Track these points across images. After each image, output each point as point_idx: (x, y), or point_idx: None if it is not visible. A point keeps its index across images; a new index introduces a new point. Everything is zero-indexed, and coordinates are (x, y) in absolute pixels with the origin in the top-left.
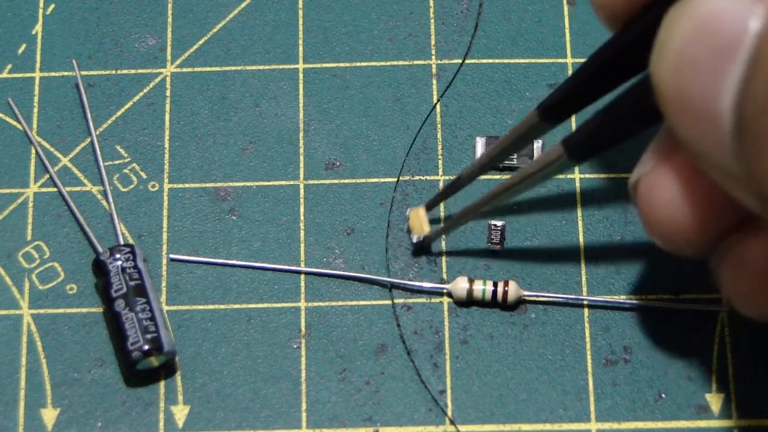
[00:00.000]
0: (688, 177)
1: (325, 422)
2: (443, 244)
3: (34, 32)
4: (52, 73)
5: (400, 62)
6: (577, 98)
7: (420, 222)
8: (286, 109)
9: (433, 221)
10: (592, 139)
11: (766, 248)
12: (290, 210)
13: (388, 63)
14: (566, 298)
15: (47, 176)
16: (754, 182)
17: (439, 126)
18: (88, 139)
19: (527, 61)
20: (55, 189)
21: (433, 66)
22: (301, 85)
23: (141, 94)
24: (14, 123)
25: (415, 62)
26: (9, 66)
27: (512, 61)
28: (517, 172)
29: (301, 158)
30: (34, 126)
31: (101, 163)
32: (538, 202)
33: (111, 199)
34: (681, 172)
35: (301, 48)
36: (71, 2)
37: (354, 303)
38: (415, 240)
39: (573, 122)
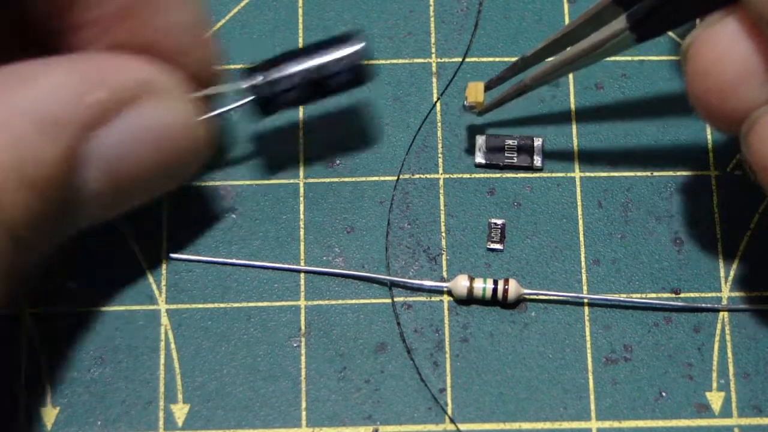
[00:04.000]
0: (739, 37)
1: (325, 421)
2: (443, 242)
3: None
4: None
5: (400, 60)
6: None
7: (476, 92)
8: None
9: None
10: (656, 13)
11: None
12: (290, 208)
13: (388, 61)
14: (567, 296)
15: None
16: None
17: (439, 124)
18: None
19: None
20: None
21: (433, 64)
22: None
23: None
24: None
25: (415, 60)
26: None
27: (512, 59)
28: (576, 46)
29: (301, 156)
30: None
31: None
32: (538, 201)
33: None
34: (732, 33)
35: (301, 47)
36: None
37: (354, 301)
38: (466, 105)
39: None
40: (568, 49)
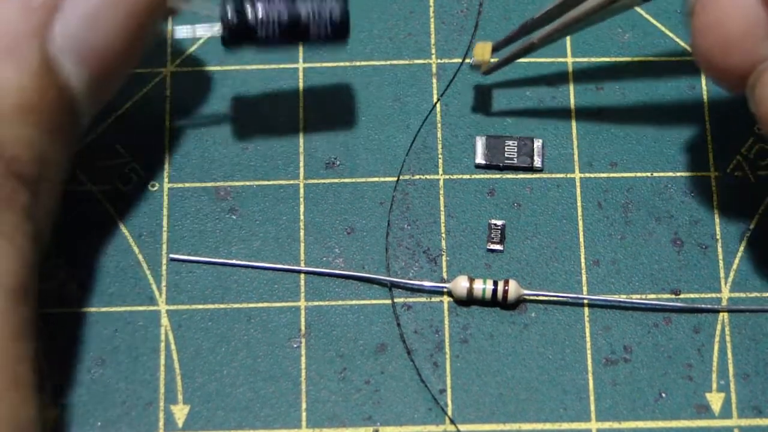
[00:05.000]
0: None
1: (325, 421)
2: (443, 243)
3: None
4: None
5: (400, 61)
6: None
7: (484, 51)
8: (286, 108)
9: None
10: None
11: None
12: (290, 209)
13: (388, 62)
14: (566, 297)
15: None
16: None
17: (439, 125)
18: (89, 138)
19: (527, 60)
20: None
21: (433, 65)
22: (301, 85)
23: (141, 93)
24: None
25: (415, 61)
26: None
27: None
28: (584, 5)
29: (301, 157)
30: None
31: None
32: (538, 202)
33: None
34: None
35: (301, 47)
36: None
37: (354, 302)
38: (473, 63)
39: None
40: (577, 7)
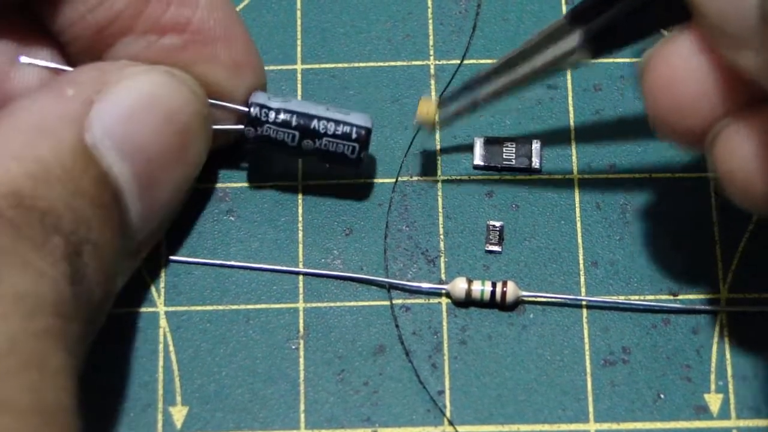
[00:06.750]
0: (694, 52)
1: (324, 423)
2: (441, 244)
3: None
4: None
5: (399, 63)
6: (607, 3)
7: (428, 109)
8: None
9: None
10: (610, 30)
11: (758, 129)
12: (289, 211)
13: (387, 64)
14: (565, 298)
15: None
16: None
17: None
18: None
19: None
20: None
21: (432, 66)
22: (299, 86)
23: None
24: None
25: (414, 63)
26: None
27: None
28: (531, 63)
29: (300, 159)
30: None
31: None
32: (536, 203)
33: None
34: (686, 49)
35: (299, 48)
36: None
37: (352, 304)
38: (416, 120)
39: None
40: (523, 65)
